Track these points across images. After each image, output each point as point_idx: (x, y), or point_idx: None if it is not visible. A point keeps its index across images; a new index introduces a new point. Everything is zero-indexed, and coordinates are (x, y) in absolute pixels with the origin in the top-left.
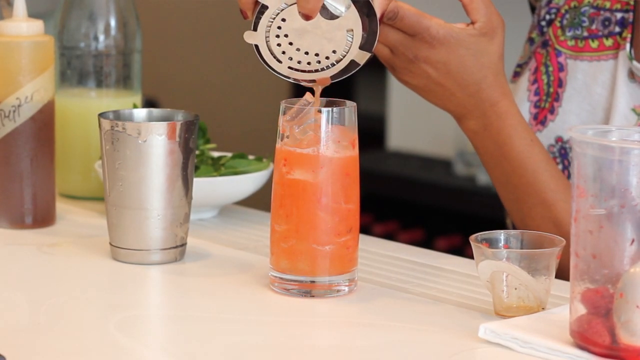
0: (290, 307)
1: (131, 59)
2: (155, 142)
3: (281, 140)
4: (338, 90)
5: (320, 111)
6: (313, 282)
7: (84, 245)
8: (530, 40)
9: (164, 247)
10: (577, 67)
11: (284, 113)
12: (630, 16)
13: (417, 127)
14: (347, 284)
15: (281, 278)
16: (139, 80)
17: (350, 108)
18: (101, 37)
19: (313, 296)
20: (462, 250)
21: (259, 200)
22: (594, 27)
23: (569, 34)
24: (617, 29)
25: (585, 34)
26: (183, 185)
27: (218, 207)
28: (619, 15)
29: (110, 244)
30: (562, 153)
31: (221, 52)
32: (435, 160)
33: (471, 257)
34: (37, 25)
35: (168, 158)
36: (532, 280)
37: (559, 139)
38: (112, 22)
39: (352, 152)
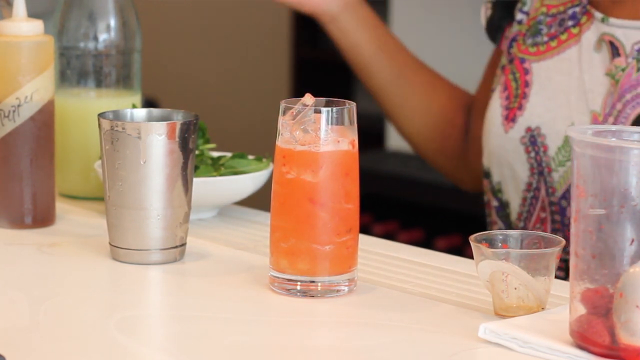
0: (290, 307)
1: (131, 59)
2: (155, 142)
3: (281, 140)
4: (338, 90)
5: (320, 111)
6: (313, 282)
7: (83, 245)
8: (502, 67)
9: (164, 247)
10: (540, 67)
11: (284, 113)
12: (580, 9)
13: None
14: (346, 284)
15: (281, 278)
16: (139, 80)
17: (349, 108)
18: (101, 37)
19: (313, 296)
20: (462, 250)
21: (259, 200)
22: (552, 30)
23: (529, 42)
24: (571, 23)
25: (545, 38)
26: (183, 185)
27: (218, 207)
28: (570, 11)
29: (110, 244)
30: (532, 140)
31: (221, 52)
32: None
33: (471, 257)
34: (37, 25)
35: (168, 158)
36: (532, 280)
37: (528, 129)
38: (112, 22)
39: (352, 152)
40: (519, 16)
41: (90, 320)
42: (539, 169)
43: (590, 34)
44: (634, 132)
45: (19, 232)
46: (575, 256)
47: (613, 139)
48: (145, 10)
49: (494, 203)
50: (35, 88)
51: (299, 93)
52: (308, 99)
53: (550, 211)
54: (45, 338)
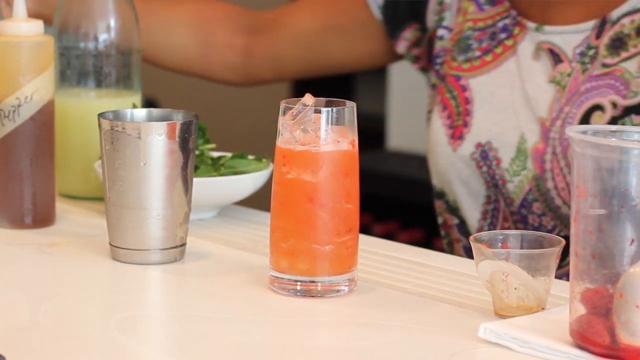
0: (290, 307)
1: (131, 59)
2: (155, 142)
3: (281, 140)
4: (338, 90)
5: (320, 111)
6: (313, 282)
7: (83, 245)
8: (433, 86)
9: (164, 247)
10: (479, 82)
11: (284, 113)
12: (510, 20)
13: (417, 127)
14: (346, 284)
15: (281, 278)
16: (139, 80)
17: (350, 108)
18: (101, 37)
19: (313, 296)
20: None
21: (259, 200)
22: (484, 44)
23: (461, 58)
24: (503, 35)
25: (478, 53)
26: (183, 185)
27: (218, 207)
28: (500, 24)
29: (110, 244)
30: (483, 155)
31: None
32: None
33: (471, 257)
34: (37, 25)
35: (168, 158)
36: (532, 280)
37: (477, 145)
38: (112, 22)
39: (352, 151)
40: (440, 32)
41: (90, 320)
42: (493, 182)
43: (526, 44)
44: (634, 132)
45: (19, 232)
46: (575, 256)
47: (613, 139)
48: None
49: (454, 221)
50: (35, 88)
51: (299, 93)
52: (308, 99)
53: (512, 220)
54: (45, 338)
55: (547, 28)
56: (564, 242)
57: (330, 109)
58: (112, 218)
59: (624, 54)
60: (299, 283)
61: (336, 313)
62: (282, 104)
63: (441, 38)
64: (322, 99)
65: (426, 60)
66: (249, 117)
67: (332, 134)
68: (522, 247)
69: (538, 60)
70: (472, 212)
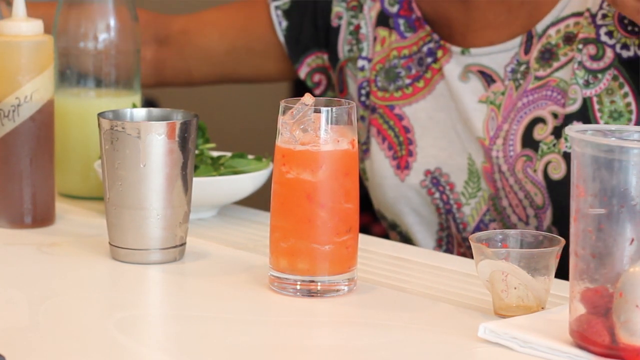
0: (290, 306)
1: (131, 59)
2: (155, 141)
3: (281, 140)
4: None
5: (319, 111)
6: (313, 281)
7: (83, 245)
8: (362, 119)
9: (164, 246)
10: (416, 110)
11: (284, 113)
12: (434, 44)
13: None
14: (346, 283)
15: (281, 278)
16: (138, 80)
17: (349, 107)
18: (100, 37)
19: (313, 296)
20: None
21: (259, 200)
22: (412, 72)
23: (391, 88)
24: (430, 59)
25: (408, 81)
26: (182, 184)
27: (217, 206)
28: (425, 48)
29: (110, 243)
30: (434, 182)
31: None
32: None
33: (471, 256)
34: (37, 24)
35: (167, 158)
36: (532, 279)
37: (427, 172)
38: (112, 22)
39: (352, 151)
40: (359, 63)
41: (90, 320)
42: (446, 208)
43: (452, 66)
44: (634, 132)
45: (19, 232)
46: (575, 256)
47: (613, 138)
48: None
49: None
50: (35, 88)
51: (299, 93)
52: (308, 98)
53: (466, 246)
54: (45, 338)
55: (473, 50)
56: (563, 241)
57: (329, 108)
58: (112, 218)
59: (555, 64)
60: (298, 283)
61: (336, 313)
62: (282, 104)
63: (362, 69)
64: (322, 99)
65: (332, 88)
66: (249, 117)
67: (332, 133)
68: (522, 247)
69: (466, 82)
70: (426, 241)
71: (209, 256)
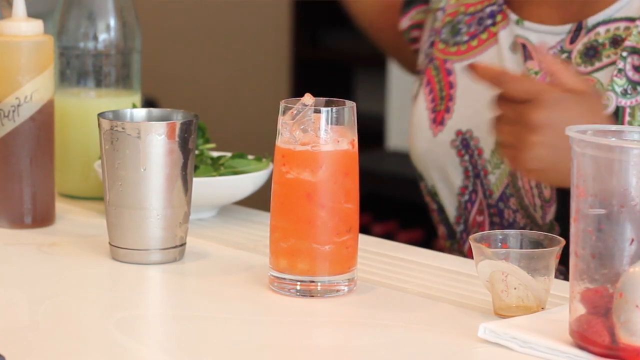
0: (290, 307)
1: (131, 59)
2: (155, 141)
3: (281, 140)
4: (338, 90)
5: (319, 111)
6: (313, 281)
7: (83, 245)
8: (420, 69)
9: (164, 247)
10: (461, 67)
11: (284, 113)
12: (496, 8)
13: None
14: (346, 283)
15: (281, 278)
16: (139, 80)
17: (349, 108)
18: (100, 37)
19: (313, 296)
20: None
21: (259, 200)
22: (472, 29)
23: (451, 42)
24: (489, 21)
25: (466, 37)
26: (182, 185)
27: (217, 207)
28: (488, 10)
29: (110, 243)
30: (464, 144)
31: (221, 52)
32: None
33: (471, 257)
34: (37, 24)
35: (167, 158)
36: (532, 280)
37: (458, 132)
38: (112, 22)
39: (352, 151)
40: (438, 14)
41: (90, 320)
42: (475, 172)
43: (506, 34)
44: (634, 132)
45: (19, 232)
46: (575, 256)
47: (613, 138)
48: (145, 10)
49: (434, 206)
50: (35, 88)
51: (299, 93)
52: (308, 98)
53: (488, 214)
54: (45, 338)
55: (526, 23)
56: (563, 241)
57: (329, 108)
58: (112, 218)
59: (597, 64)
60: (298, 283)
61: (336, 313)
62: (282, 104)
63: (436, 20)
64: (322, 99)
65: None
66: (249, 117)
67: (332, 133)
68: (521, 247)
69: (515, 53)
70: (447, 200)
71: (209, 256)
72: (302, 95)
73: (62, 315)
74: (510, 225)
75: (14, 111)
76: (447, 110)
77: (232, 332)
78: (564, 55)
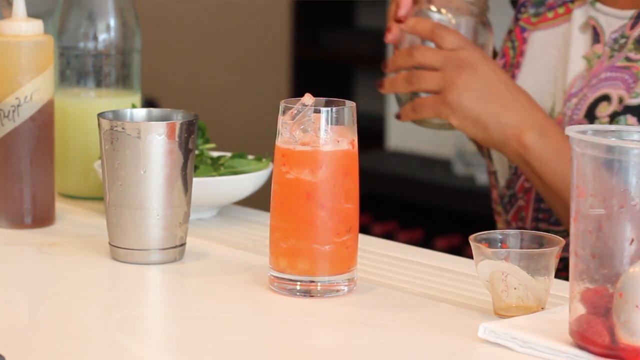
0: (290, 307)
1: (130, 59)
2: (155, 141)
3: (280, 140)
4: (338, 90)
5: (319, 111)
6: (312, 281)
7: (83, 245)
8: (508, 32)
9: (164, 247)
10: (534, 37)
11: (284, 113)
12: None
13: (416, 127)
14: (346, 283)
15: (281, 278)
16: (139, 80)
17: (349, 108)
18: (100, 37)
19: (312, 296)
20: (462, 250)
21: (259, 200)
22: (551, 0)
23: (531, 11)
24: None
25: (545, 9)
26: (182, 185)
27: (217, 207)
28: None
29: (110, 243)
30: None
31: (221, 52)
32: (434, 160)
33: (471, 257)
34: (37, 25)
35: (167, 158)
36: (532, 280)
37: None
38: (112, 22)
39: (352, 151)
40: None
41: (90, 320)
42: None
43: (580, 13)
44: (634, 132)
45: (19, 232)
46: (575, 256)
47: (613, 138)
48: (145, 10)
49: (490, 168)
50: (35, 88)
51: (299, 93)
52: (308, 98)
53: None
54: (45, 338)
55: (598, 5)
56: (563, 241)
57: (329, 108)
58: (112, 218)
59: None
60: (298, 283)
61: (336, 313)
62: (282, 104)
63: None
64: (322, 99)
65: None
66: (249, 117)
67: (332, 133)
68: (521, 247)
69: (584, 33)
70: (500, 164)
71: (209, 256)
72: (302, 95)
73: (62, 315)
74: None
75: (14, 111)
76: (513, 76)
77: (232, 332)
78: (622, 41)
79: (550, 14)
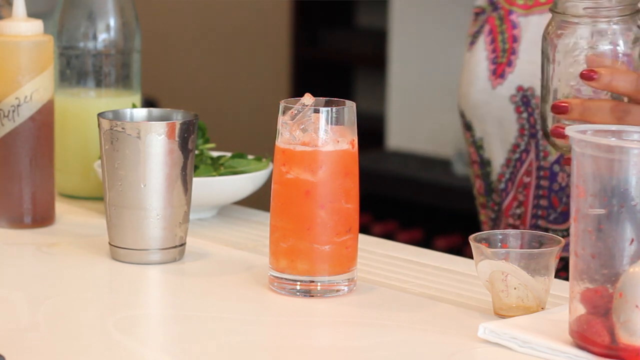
0: (290, 307)
1: (130, 59)
2: (155, 141)
3: (280, 140)
4: (338, 90)
5: (319, 111)
6: (312, 281)
7: (83, 245)
8: (481, 11)
9: (164, 246)
10: (529, 23)
11: (284, 113)
12: None
13: (416, 126)
14: (346, 283)
15: (280, 278)
16: (138, 80)
17: (349, 107)
18: (100, 37)
19: (312, 296)
20: (462, 250)
21: (259, 200)
22: None
23: None
24: None
25: None
26: (182, 185)
27: (217, 207)
28: None
29: (110, 243)
30: (524, 101)
31: (221, 52)
32: (434, 159)
33: (471, 257)
34: (37, 24)
35: (167, 158)
36: (532, 279)
37: (519, 88)
38: (112, 22)
39: (352, 151)
40: None
41: (90, 320)
42: (531, 132)
43: None
44: (634, 132)
45: (19, 232)
46: (575, 256)
47: (613, 138)
48: (145, 10)
49: (476, 158)
50: (35, 88)
51: (299, 93)
52: (308, 98)
53: (536, 176)
54: (45, 338)
55: None
56: (563, 241)
57: (329, 108)
58: (112, 218)
59: None
60: (298, 283)
61: (336, 313)
62: (282, 104)
63: None
64: (322, 99)
65: None
66: (248, 117)
67: (332, 133)
68: (521, 247)
69: None
70: (495, 155)
71: (209, 256)
72: (302, 95)
73: (62, 315)
74: (562, 190)
75: (13, 111)
76: (509, 64)
77: (232, 332)
78: None
79: None
